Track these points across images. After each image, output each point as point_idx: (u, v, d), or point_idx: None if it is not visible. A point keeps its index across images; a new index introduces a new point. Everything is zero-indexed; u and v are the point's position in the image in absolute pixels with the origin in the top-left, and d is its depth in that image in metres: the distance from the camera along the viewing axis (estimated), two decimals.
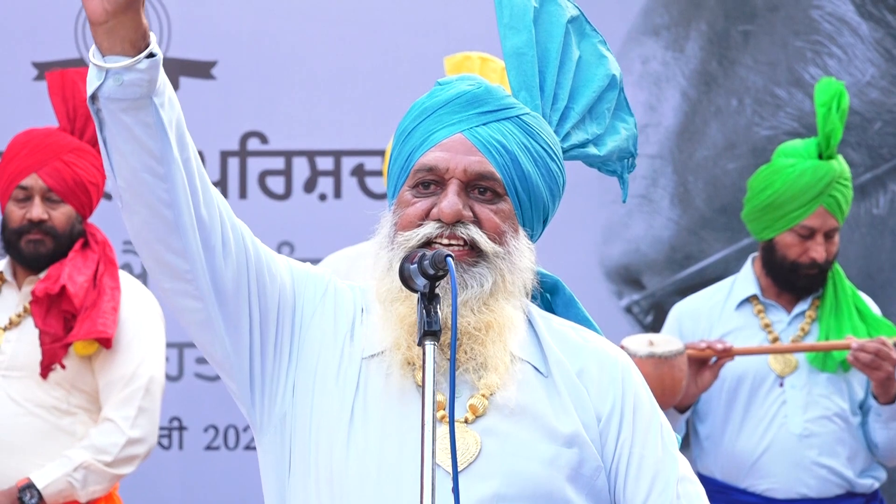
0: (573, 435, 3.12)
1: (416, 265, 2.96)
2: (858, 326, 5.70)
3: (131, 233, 3.00)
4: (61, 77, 5.62)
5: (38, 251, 5.48)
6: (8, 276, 5.62)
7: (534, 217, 3.18)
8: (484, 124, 3.13)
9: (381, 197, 7.15)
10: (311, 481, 3.07)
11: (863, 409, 5.79)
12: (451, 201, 3.07)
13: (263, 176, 7.26)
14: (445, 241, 3.08)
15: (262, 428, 3.12)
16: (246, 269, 3.06)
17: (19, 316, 5.58)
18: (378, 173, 7.17)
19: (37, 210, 5.50)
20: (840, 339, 5.65)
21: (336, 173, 7.25)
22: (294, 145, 7.22)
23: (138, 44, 2.87)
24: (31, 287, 5.54)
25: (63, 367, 5.49)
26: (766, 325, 5.78)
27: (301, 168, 7.22)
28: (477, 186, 3.11)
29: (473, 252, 3.10)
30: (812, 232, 5.69)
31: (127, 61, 2.87)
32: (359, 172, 7.25)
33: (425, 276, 2.95)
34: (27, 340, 5.51)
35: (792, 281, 5.73)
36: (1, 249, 5.72)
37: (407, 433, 3.07)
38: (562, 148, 3.23)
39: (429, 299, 2.94)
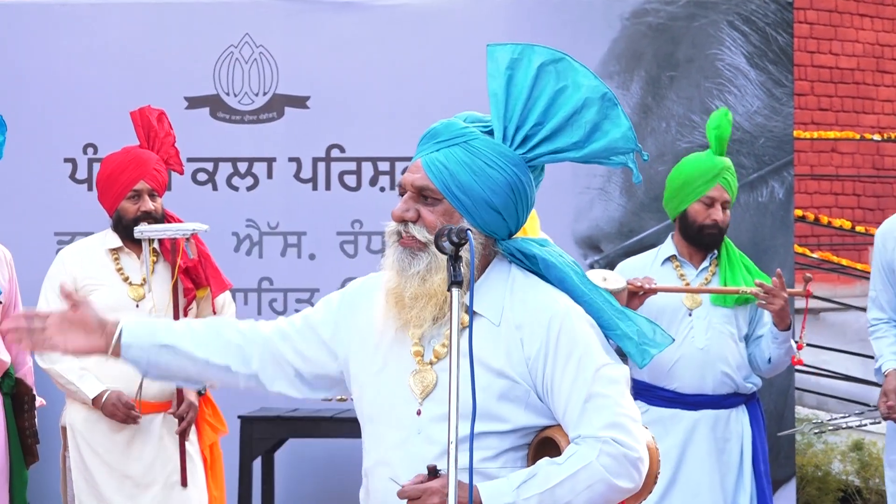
0: (501, 369, 3.15)
1: (445, 237, 3.08)
2: (746, 278, 5.84)
3: None
4: (140, 113, 5.92)
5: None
6: (122, 247, 5.83)
7: (479, 210, 3.17)
8: (436, 150, 3.19)
9: None
10: (362, 404, 3.30)
11: (748, 338, 5.91)
12: (397, 207, 3.23)
13: (342, 175, 7.40)
14: (404, 235, 3.20)
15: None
16: (293, 352, 3.33)
17: (148, 272, 5.79)
18: None
19: (148, 205, 5.80)
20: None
21: (391, 173, 7.38)
22: (362, 153, 7.37)
23: (113, 346, 3.19)
24: (151, 256, 5.77)
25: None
26: (682, 276, 5.91)
27: (368, 169, 7.36)
28: (422, 194, 3.19)
29: (417, 241, 3.19)
30: (713, 201, 5.83)
31: (114, 358, 3.19)
32: None
33: (451, 243, 3.07)
34: (160, 291, 5.70)
35: (699, 239, 5.87)
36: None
37: (402, 370, 3.22)
38: (531, 156, 3.21)
39: (454, 259, 3.05)
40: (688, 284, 5.90)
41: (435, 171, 3.16)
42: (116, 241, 5.83)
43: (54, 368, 5.68)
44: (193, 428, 5.83)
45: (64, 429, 5.83)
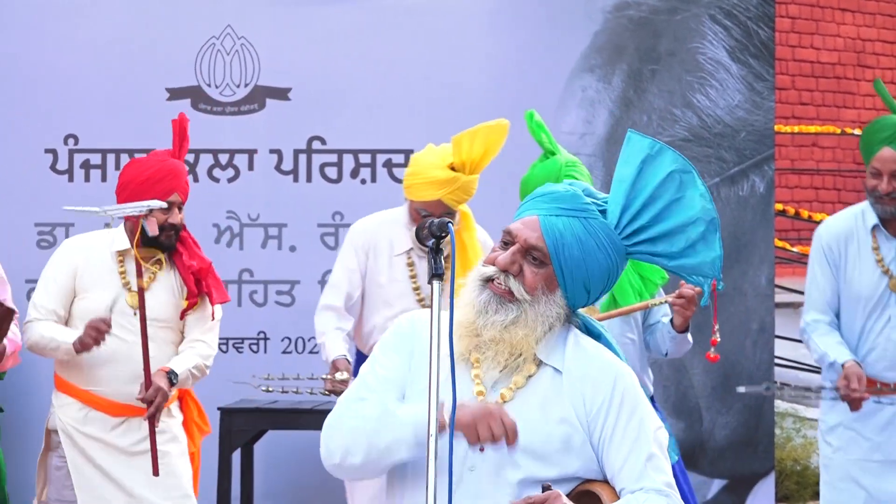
0: (564, 418, 3.24)
1: (426, 229, 3.11)
2: (633, 279, 5.63)
3: None
4: (181, 120, 5.79)
5: (171, 242, 5.69)
6: (128, 251, 5.74)
7: (575, 286, 3.25)
8: (556, 215, 3.23)
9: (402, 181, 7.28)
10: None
11: (644, 325, 5.76)
12: (504, 257, 3.24)
13: (323, 167, 7.40)
14: (499, 282, 3.23)
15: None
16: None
17: (150, 279, 5.71)
18: (400, 165, 7.29)
19: (178, 217, 5.68)
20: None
21: (372, 165, 7.38)
22: (344, 146, 7.37)
23: None
24: (156, 262, 5.72)
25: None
26: None
27: (349, 161, 7.37)
28: (531, 252, 3.23)
29: (511, 294, 3.23)
30: None
31: None
32: (388, 165, 7.38)
33: (432, 235, 3.08)
34: (160, 299, 5.67)
35: None
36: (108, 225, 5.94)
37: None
38: (632, 249, 3.30)
39: (435, 252, 3.06)
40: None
41: (553, 236, 3.21)
42: (125, 244, 5.73)
43: (34, 337, 5.59)
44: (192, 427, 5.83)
45: (48, 432, 5.76)
